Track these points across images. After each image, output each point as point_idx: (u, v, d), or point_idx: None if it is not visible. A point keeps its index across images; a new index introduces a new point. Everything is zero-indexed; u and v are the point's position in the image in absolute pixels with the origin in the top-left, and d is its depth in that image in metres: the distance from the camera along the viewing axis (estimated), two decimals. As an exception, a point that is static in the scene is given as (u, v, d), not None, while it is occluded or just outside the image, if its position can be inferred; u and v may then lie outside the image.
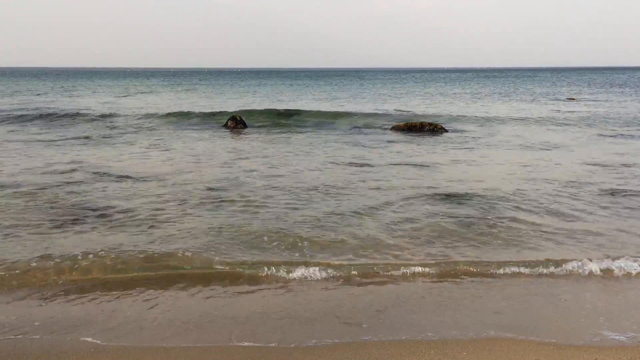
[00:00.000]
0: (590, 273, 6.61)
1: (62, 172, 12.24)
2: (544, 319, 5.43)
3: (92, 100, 37.97)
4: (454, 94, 48.28)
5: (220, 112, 26.31)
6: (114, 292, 5.98)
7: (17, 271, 6.41)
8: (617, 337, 5.04)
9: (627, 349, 4.80)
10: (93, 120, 24.26)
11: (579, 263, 6.75)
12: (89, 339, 4.97)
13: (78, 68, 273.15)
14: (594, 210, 9.33)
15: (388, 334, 5.10)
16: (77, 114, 26.25)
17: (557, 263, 6.80)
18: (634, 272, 6.64)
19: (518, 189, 10.80)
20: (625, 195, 10.41)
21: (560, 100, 39.14)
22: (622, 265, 6.73)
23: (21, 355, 4.68)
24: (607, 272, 6.64)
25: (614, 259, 6.87)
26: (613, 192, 10.60)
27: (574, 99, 39.78)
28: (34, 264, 6.57)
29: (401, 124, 22.18)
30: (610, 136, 19.76)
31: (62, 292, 5.96)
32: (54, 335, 5.04)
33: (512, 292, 6.08)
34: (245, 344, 4.90)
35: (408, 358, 4.65)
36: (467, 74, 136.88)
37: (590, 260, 6.82)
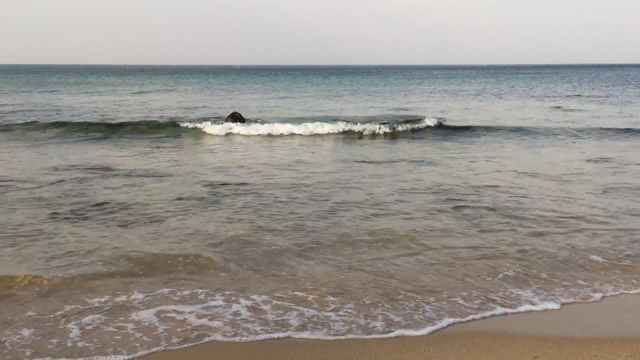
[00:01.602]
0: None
1: (67, 170, 12.25)
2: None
3: (111, 98, 37.75)
4: (455, 91, 48.23)
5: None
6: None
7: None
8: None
9: (626, 345, 4.80)
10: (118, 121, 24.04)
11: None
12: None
13: (78, 65, 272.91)
14: (592, 206, 9.34)
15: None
16: (93, 113, 26.31)
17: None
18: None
19: (522, 185, 10.83)
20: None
21: (562, 97, 39.09)
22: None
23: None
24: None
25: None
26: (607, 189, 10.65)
27: (575, 95, 39.73)
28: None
29: (401, 121, 22.28)
30: (613, 131, 19.74)
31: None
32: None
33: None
34: (244, 340, 4.91)
35: (407, 355, 4.65)
36: (467, 71, 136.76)
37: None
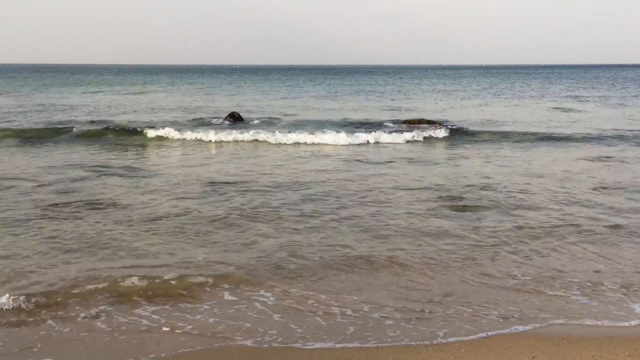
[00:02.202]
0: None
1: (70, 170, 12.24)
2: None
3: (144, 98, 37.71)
4: (454, 90, 48.20)
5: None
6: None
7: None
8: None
9: (624, 345, 4.79)
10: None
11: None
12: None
13: (77, 65, 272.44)
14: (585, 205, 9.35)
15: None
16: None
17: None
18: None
19: (521, 185, 10.83)
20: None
21: (562, 97, 39.04)
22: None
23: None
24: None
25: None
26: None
27: (574, 95, 39.69)
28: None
29: (400, 120, 22.26)
30: (614, 129, 19.70)
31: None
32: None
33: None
34: (245, 343, 4.90)
35: (407, 355, 4.64)
36: (467, 71, 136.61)
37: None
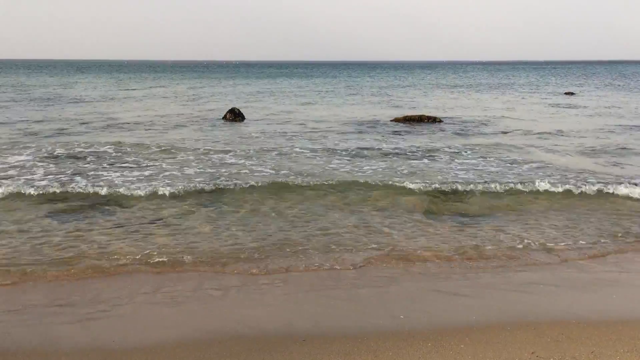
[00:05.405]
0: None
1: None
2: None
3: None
4: (453, 86, 48.11)
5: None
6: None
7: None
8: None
9: (624, 342, 4.80)
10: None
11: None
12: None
13: (75, 60, 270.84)
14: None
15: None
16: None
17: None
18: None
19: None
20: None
21: (559, 94, 38.95)
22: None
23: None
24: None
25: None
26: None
27: (572, 92, 39.62)
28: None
29: (400, 117, 22.16)
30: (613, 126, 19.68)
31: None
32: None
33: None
34: (246, 334, 4.92)
35: (406, 350, 4.65)
36: (467, 67, 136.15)
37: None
